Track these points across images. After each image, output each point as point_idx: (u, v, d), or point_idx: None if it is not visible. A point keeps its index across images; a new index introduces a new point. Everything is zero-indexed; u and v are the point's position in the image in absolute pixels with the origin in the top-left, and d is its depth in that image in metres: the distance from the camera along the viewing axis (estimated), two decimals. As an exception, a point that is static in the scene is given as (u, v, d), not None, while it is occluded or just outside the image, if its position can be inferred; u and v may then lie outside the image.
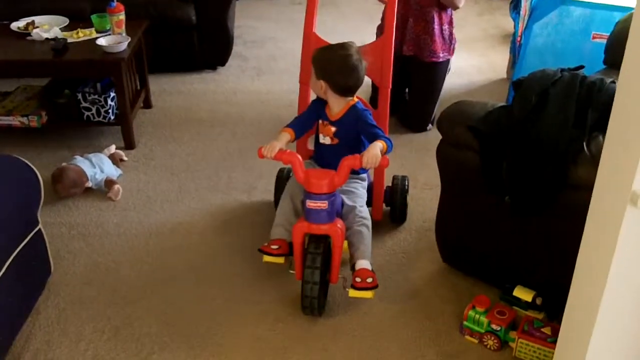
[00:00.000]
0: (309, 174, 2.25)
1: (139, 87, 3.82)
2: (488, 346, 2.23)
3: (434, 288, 2.51)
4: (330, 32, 4.51)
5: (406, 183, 2.84)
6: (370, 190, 2.66)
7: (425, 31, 3.41)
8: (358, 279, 2.25)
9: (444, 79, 3.62)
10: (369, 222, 2.40)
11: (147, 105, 3.95)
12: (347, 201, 2.40)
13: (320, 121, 2.47)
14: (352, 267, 2.34)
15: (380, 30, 3.51)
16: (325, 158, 2.48)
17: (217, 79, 4.35)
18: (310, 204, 2.22)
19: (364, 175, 2.56)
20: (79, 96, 3.45)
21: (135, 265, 2.64)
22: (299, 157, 2.27)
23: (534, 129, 2.02)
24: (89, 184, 3.09)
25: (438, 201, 2.53)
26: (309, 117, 2.51)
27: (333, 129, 2.43)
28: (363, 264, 2.31)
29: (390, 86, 2.62)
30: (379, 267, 2.55)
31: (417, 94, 3.63)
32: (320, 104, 2.46)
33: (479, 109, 2.20)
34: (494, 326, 2.21)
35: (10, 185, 2.30)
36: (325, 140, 2.46)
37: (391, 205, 2.82)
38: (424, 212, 2.92)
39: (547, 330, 2.15)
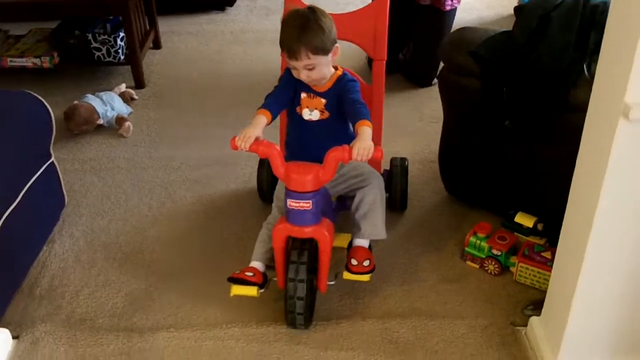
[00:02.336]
0: (289, 168, 1.92)
1: (147, 28, 3.84)
2: (489, 271, 2.28)
3: (436, 217, 2.55)
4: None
5: (406, 165, 2.53)
6: None
7: None
8: (354, 262, 2.04)
9: (451, 27, 3.44)
10: (384, 197, 2.14)
11: (157, 45, 3.99)
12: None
13: (303, 95, 2.09)
14: (349, 244, 2.14)
15: None
16: (311, 138, 2.12)
17: (225, 19, 4.36)
18: (292, 203, 1.91)
19: None
20: (89, 37, 3.48)
21: (145, 197, 2.71)
22: (278, 148, 1.94)
23: (535, 52, 2.02)
24: (101, 121, 3.14)
25: (442, 132, 2.55)
26: (285, 91, 2.10)
27: (323, 100, 2.08)
28: (361, 242, 2.11)
29: (386, 58, 2.34)
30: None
31: (424, 45, 3.46)
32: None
33: (482, 34, 2.20)
34: (494, 251, 2.25)
35: (22, 118, 2.36)
36: (312, 115, 2.09)
37: (390, 191, 2.48)
38: (429, 144, 2.95)
39: (547, 254, 2.17)
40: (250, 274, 2.03)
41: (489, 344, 2.00)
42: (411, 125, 3.14)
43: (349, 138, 1.90)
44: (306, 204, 1.90)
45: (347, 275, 2.06)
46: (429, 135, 3.03)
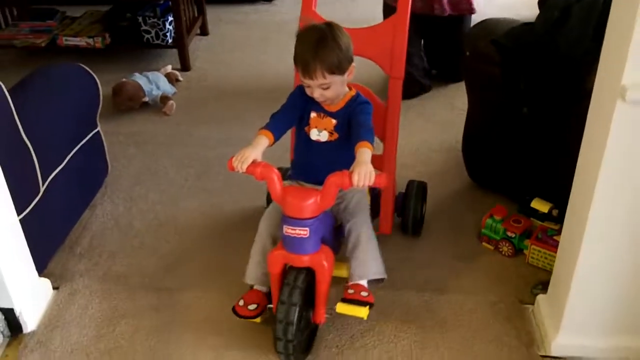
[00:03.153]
0: (287, 192, 1.81)
1: (196, 14, 4.04)
2: (503, 252, 2.36)
3: (457, 201, 2.64)
4: None
5: (423, 188, 2.44)
6: (377, 197, 2.26)
7: None
8: (350, 291, 1.92)
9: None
10: (371, 231, 1.99)
11: (204, 32, 4.18)
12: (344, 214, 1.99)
13: (313, 114, 1.99)
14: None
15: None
16: (318, 160, 2.01)
17: (271, 10, 4.53)
18: (288, 230, 1.79)
19: None
20: (140, 19, 3.68)
21: (182, 170, 2.88)
22: (277, 171, 1.82)
23: (553, 42, 2.10)
24: (146, 99, 3.33)
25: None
26: (292, 111, 2.01)
27: (334, 121, 1.97)
28: (359, 280, 1.97)
29: (403, 76, 2.21)
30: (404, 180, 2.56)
31: (454, 48, 3.39)
32: (307, 94, 1.95)
33: (505, 25, 2.29)
34: (509, 233, 2.33)
35: (72, 88, 2.56)
36: (320, 136, 1.99)
37: (403, 215, 2.39)
38: (457, 134, 3.01)
39: (559, 238, 2.23)
40: (253, 306, 1.95)
41: (495, 318, 2.09)
42: (441, 116, 3.24)
43: None
44: (303, 232, 1.79)
45: (340, 307, 1.89)
46: (457, 125, 3.09)
